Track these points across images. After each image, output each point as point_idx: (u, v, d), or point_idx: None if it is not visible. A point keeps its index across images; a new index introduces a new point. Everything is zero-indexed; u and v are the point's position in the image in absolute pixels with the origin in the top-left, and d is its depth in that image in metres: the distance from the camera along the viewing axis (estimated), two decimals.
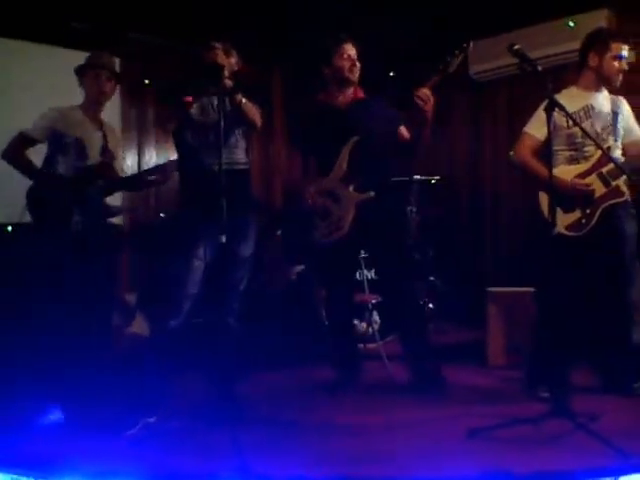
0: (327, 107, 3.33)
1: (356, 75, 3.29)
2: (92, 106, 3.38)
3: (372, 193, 3.16)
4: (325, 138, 3.23)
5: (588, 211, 3.04)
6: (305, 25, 4.78)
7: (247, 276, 3.01)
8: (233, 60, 3.01)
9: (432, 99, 3.03)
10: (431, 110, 3.06)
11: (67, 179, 3.25)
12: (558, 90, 3.14)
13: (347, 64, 3.25)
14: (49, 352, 2.98)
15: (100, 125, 3.42)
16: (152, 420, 2.76)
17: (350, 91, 3.33)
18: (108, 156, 3.39)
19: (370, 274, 4.11)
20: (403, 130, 3.26)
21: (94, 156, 3.34)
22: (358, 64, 3.27)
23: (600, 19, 4.41)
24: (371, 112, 3.25)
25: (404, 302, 3.29)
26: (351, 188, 3.20)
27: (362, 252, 3.66)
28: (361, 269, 3.90)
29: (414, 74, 3.16)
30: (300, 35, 4.92)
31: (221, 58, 2.91)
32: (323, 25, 4.49)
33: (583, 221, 3.04)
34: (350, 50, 3.27)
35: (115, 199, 4.66)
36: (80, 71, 3.34)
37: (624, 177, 2.98)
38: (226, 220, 2.54)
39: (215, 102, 2.90)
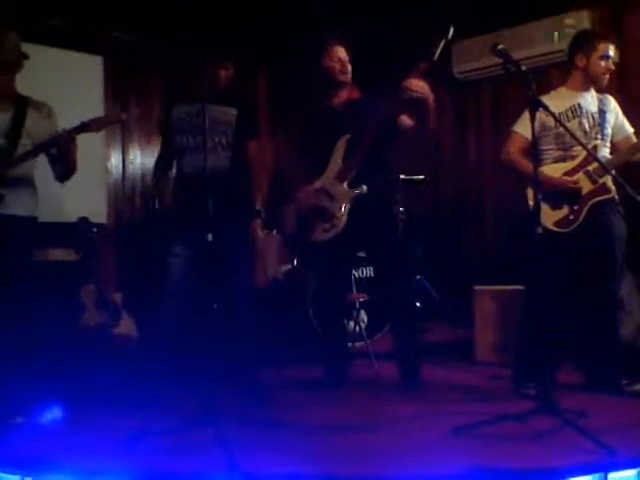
0: (321, 107, 3.30)
1: (348, 76, 3.24)
2: None
3: (365, 187, 3.13)
4: (319, 139, 3.21)
5: (576, 207, 3.08)
6: (293, 24, 4.77)
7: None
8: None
9: (426, 85, 2.97)
10: (429, 95, 3.00)
11: None
12: (546, 91, 3.17)
13: (337, 66, 3.21)
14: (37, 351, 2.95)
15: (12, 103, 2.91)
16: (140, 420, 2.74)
17: (344, 92, 3.28)
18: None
19: (357, 273, 4.11)
20: (405, 119, 3.17)
21: None
22: (349, 65, 3.22)
23: (583, 20, 4.46)
24: (365, 110, 3.19)
25: (401, 299, 3.26)
26: (345, 184, 3.17)
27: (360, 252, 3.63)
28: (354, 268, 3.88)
29: (399, 68, 3.08)
30: (288, 35, 4.92)
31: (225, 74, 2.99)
32: (310, 23, 4.50)
33: (571, 217, 3.08)
34: (339, 52, 3.22)
35: (100, 199, 4.69)
36: None
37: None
38: (212, 219, 2.54)
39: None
